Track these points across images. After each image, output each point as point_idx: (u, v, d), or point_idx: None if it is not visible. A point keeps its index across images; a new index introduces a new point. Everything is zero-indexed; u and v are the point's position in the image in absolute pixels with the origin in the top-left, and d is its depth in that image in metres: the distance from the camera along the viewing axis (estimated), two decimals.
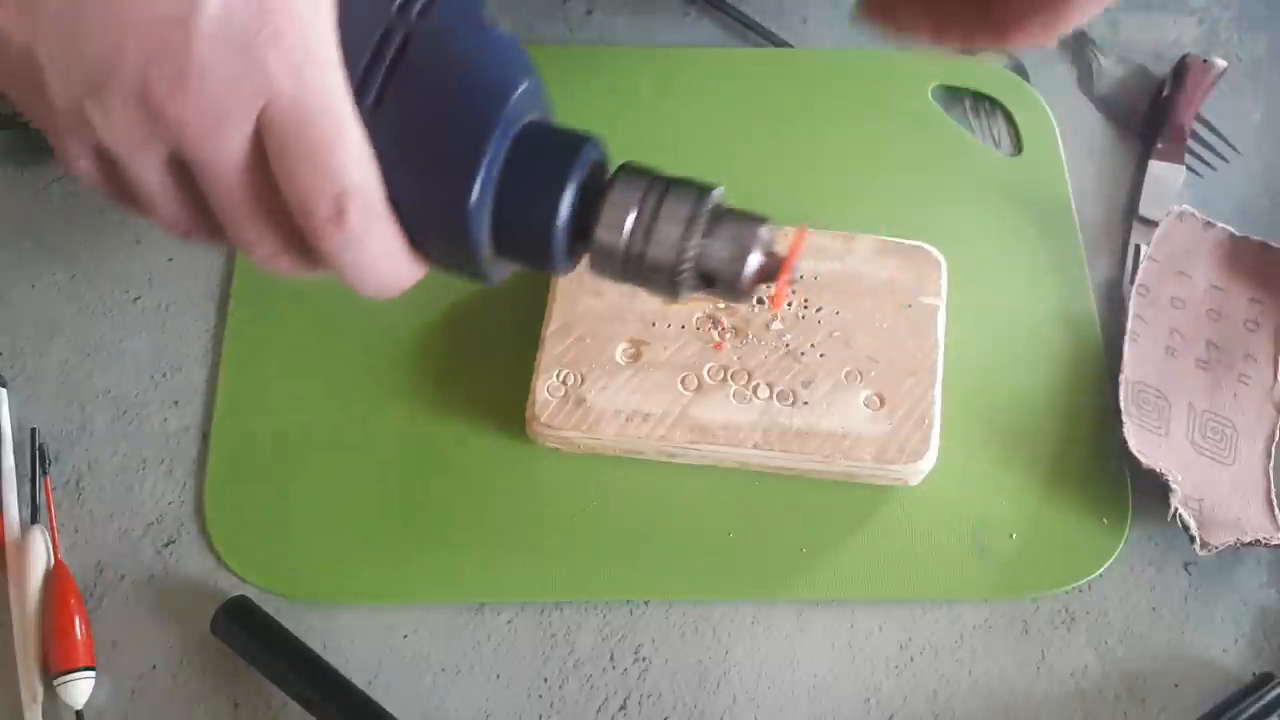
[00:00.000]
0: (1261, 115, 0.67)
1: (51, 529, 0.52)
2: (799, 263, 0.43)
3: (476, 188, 0.36)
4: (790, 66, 0.66)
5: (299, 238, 0.36)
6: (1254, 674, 0.51)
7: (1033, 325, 0.58)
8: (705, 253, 0.38)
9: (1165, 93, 0.66)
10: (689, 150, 0.62)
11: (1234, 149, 0.66)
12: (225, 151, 0.33)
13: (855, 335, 0.53)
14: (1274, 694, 0.49)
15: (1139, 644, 0.51)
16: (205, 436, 0.55)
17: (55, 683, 0.48)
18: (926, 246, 0.56)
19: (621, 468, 0.53)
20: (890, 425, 0.51)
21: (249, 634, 0.49)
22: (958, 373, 0.55)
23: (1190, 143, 0.65)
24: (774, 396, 0.52)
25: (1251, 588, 0.53)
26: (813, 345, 0.53)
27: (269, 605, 0.50)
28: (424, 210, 0.37)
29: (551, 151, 0.38)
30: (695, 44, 0.68)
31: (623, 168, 0.39)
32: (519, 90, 0.37)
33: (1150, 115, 0.66)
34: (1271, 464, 0.54)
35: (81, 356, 0.57)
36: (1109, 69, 0.68)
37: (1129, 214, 0.63)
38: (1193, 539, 0.51)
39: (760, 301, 0.53)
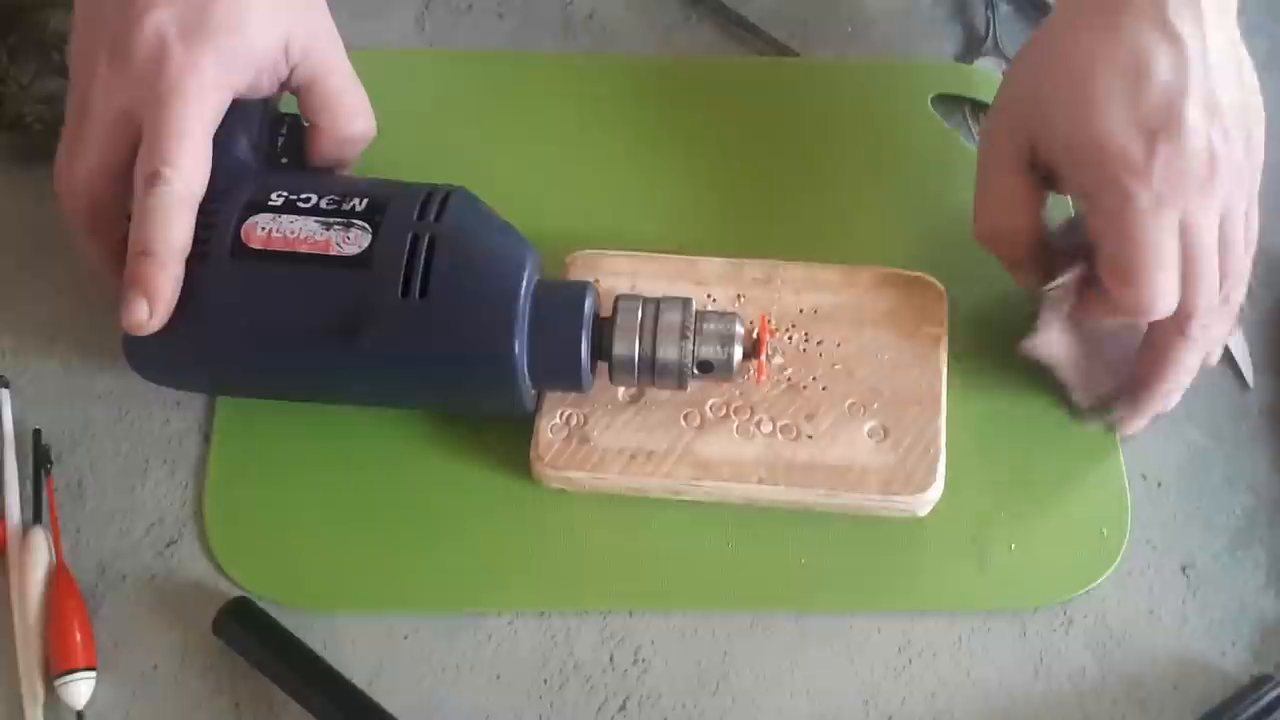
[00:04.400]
0: None
1: (53, 529, 0.52)
2: (770, 339, 0.52)
3: (517, 343, 0.47)
4: (790, 75, 0.66)
5: None
6: (1251, 676, 0.51)
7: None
8: (701, 348, 0.49)
9: None
10: (688, 159, 0.62)
11: None
12: None
13: (857, 367, 0.53)
14: (1272, 696, 0.49)
15: (1137, 647, 0.51)
16: (207, 438, 0.55)
17: (56, 683, 0.48)
18: (928, 278, 0.55)
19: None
20: (895, 456, 0.51)
21: (250, 634, 0.49)
22: (956, 382, 0.55)
23: None
24: (777, 431, 0.52)
25: (1249, 590, 0.53)
26: (814, 378, 0.53)
27: (269, 606, 0.50)
28: (477, 367, 0.47)
29: (563, 301, 0.48)
30: (696, 47, 0.68)
31: (619, 298, 0.49)
32: (529, 264, 0.48)
33: None
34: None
35: (83, 357, 0.57)
36: None
37: None
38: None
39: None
